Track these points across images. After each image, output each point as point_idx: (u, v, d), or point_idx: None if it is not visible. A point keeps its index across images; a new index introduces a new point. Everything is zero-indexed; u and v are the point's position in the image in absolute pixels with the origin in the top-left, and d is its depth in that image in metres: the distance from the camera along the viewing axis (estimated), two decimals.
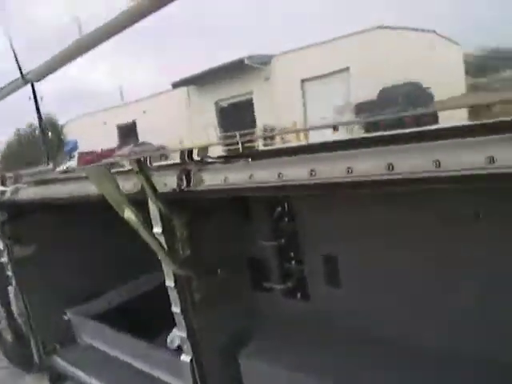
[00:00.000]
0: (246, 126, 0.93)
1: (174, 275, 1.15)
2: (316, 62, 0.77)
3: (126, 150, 1.41)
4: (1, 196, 2.13)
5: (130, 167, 1.11)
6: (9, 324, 2.62)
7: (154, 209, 1.10)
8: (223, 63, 0.81)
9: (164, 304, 2.50)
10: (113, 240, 2.51)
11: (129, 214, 0.97)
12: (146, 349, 1.88)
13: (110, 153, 1.64)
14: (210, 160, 1.09)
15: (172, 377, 1.70)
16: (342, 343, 1.19)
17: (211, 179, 1.06)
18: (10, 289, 2.38)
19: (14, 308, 2.42)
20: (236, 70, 0.80)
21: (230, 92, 0.88)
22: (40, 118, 1.59)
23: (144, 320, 2.22)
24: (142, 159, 1.00)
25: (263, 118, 0.91)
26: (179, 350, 1.93)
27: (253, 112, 0.89)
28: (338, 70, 0.73)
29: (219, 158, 1.08)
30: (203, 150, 1.11)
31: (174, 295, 1.19)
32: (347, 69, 0.72)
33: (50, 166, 1.77)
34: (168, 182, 1.08)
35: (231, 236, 1.31)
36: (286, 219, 1.24)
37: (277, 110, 0.88)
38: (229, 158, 1.06)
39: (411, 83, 0.73)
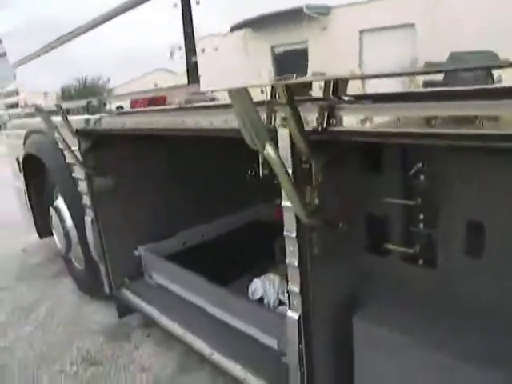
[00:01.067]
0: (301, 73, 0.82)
1: (297, 224, 1.03)
2: (378, 15, 0.69)
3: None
4: (85, 124, 2.08)
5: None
6: (82, 252, 2.67)
7: (287, 148, 0.97)
8: (281, 9, 0.78)
9: (237, 250, 2.51)
10: (192, 178, 2.47)
11: (269, 151, 0.84)
12: (223, 295, 1.84)
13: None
14: (352, 99, 0.94)
15: (256, 329, 1.65)
16: (469, 319, 1.05)
17: (355, 120, 0.91)
18: (87, 219, 2.39)
19: (88, 238, 2.44)
20: (293, 17, 0.76)
21: (287, 39, 0.83)
22: None
23: (216, 264, 2.18)
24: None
25: (318, 66, 0.81)
26: (260, 301, 1.90)
27: (307, 60, 0.79)
28: (400, 25, 0.66)
29: (363, 96, 0.92)
30: (343, 84, 0.95)
31: (292, 246, 1.08)
32: (412, 25, 0.65)
33: None
34: (309, 119, 0.94)
35: (356, 188, 1.18)
36: (424, 176, 1.08)
37: (333, 59, 0.80)
38: (374, 98, 0.91)
39: (486, 52, 0.59)
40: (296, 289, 1.12)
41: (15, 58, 1.99)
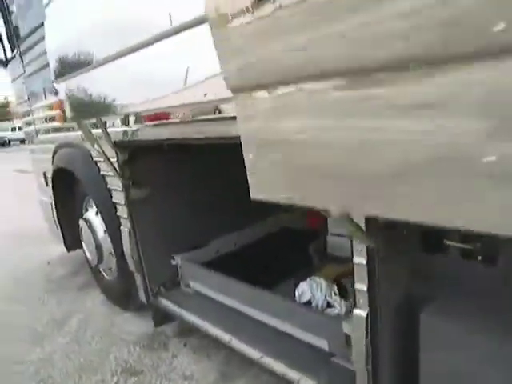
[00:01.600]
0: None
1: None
2: None
3: None
4: (123, 135, 2.12)
5: None
6: (116, 263, 2.71)
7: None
8: None
9: (270, 256, 2.54)
10: (223, 187, 2.50)
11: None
12: (270, 299, 1.86)
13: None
14: None
15: (306, 331, 1.67)
16: None
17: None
18: (123, 229, 2.43)
19: (125, 248, 2.48)
20: None
21: None
22: None
23: (250, 271, 2.21)
24: None
25: None
26: (308, 304, 1.92)
27: None
28: None
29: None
30: None
31: (360, 246, 1.11)
32: None
33: None
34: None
35: None
36: None
37: None
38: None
39: None
40: (363, 287, 1.14)
41: (58, 73, 2.04)
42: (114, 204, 2.44)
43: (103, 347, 2.61)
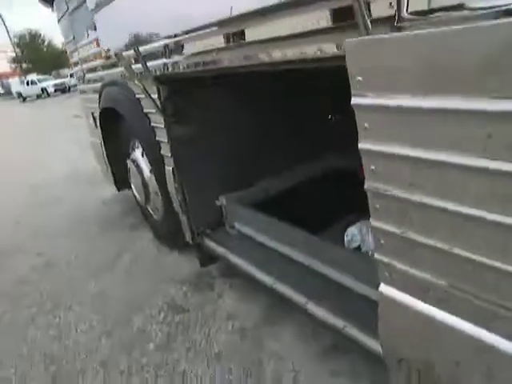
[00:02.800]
0: None
1: None
2: None
3: None
4: (163, 68, 1.99)
5: None
6: (162, 203, 2.70)
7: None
8: None
9: (323, 197, 2.41)
10: (271, 125, 2.35)
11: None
12: (318, 244, 1.75)
13: None
14: None
15: (354, 278, 1.55)
16: None
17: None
18: (167, 169, 2.37)
19: (169, 188, 2.43)
20: None
21: None
22: None
23: (300, 213, 2.08)
24: None
25: None
26: (358, 250, 1.80)
27: None
28: None
29: None
30: None
31: None
32: None
33: None
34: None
35: None
36: None
37: None
38: None
39: None
40: None
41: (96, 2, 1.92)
42: (158, 142, 2.37)
43: (151, 285, 2.67)
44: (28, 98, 31.11)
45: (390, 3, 0.86)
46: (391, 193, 0.99)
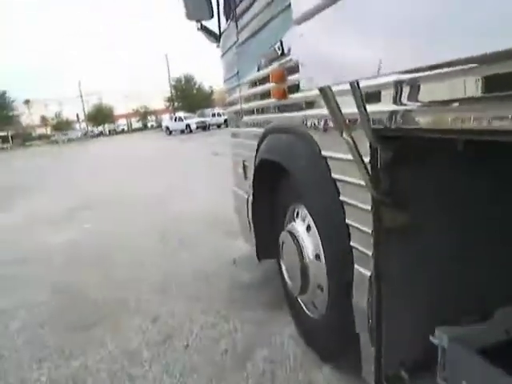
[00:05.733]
0: None
1: None
2: None
3: None
4: (388, 120, 1.19)
5: None
6: (329, 305, 1.85)
7: None
8: None
9: None
10: None
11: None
12: None
13: None
14: None
15: None
16: None
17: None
18: (359, 271, 1.52)
19: (354, 299, 1.58)
20: None
21: None
22: None
23: None
24: None
25: None
26: None
27: None
28: None
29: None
30: None
31: None
32: None
33: None
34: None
35: None
36: None
37: None
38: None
39: None
40: None
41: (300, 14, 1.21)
42: (348, 227, 1.55)
43: None
44: (173, 132, 34.21)
45: None
46: None
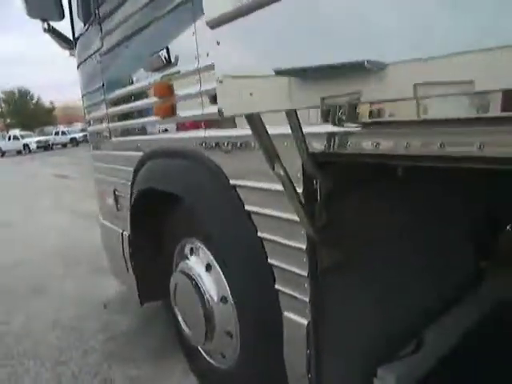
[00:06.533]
0: None
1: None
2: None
3: None
4: (326, 144, 1.02)
5: None
6: (242, 353, 1.58)
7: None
8: (338, 62, 0.64)
9: None
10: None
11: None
12: None
13: None
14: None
15: None
16: None
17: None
18: (288, 318, 1.29)
19: (285, 353, 1.34)
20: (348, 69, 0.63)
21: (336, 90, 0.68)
22: None
23: None
24: None
25: None
26: None
27: None
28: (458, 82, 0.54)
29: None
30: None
31: None
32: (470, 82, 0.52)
33: None
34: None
35: None
36: None
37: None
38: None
39: None
40: None
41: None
42: (271, 268, 1.32)
43: None
44: (7, 153, 29.71)
45: None
46: None
